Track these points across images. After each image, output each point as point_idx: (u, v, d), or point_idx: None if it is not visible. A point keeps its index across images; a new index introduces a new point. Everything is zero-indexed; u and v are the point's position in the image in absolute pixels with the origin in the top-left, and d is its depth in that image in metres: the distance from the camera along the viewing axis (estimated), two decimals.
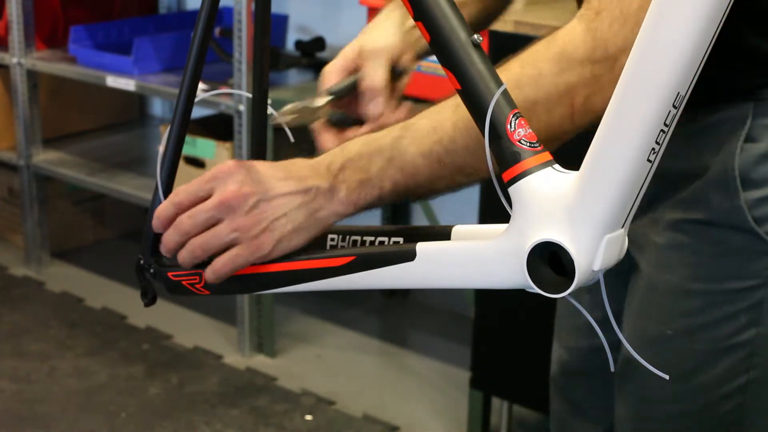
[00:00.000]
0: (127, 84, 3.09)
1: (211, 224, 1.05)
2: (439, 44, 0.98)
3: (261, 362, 2.98)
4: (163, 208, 1.08)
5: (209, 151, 2.96)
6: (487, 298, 2.40)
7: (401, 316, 3.32)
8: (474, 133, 1.00)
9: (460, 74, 0.96)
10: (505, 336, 2.40)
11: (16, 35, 3.31)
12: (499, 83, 0.95)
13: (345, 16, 3.30)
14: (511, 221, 0.95)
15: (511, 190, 0.95)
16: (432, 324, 3.24)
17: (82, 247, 3.67)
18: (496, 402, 2.57)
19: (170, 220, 1.08)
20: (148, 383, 2.83)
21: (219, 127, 3.07)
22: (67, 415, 2.67)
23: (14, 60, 3.34)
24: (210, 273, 1.06)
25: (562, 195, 0.92)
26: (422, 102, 2.75)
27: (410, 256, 1.00)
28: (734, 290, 1.19)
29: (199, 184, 1.06)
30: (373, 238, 1.10)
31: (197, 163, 3.00)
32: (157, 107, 3.97)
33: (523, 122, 0.95)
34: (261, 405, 2.74)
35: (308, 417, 2.69)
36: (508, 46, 2.22)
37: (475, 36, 0.97)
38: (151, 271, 1.14)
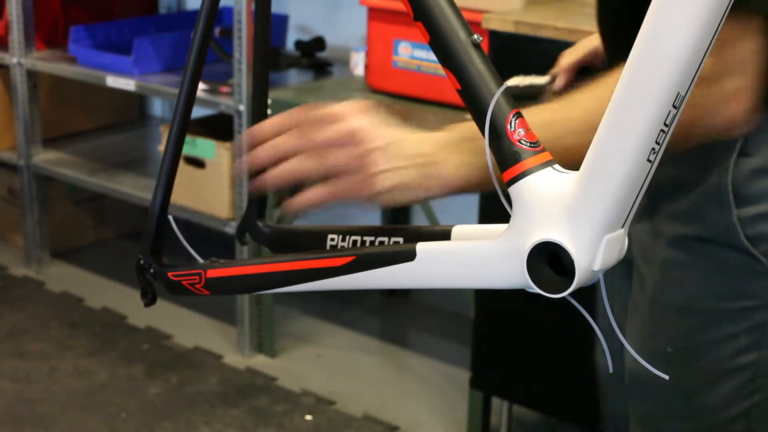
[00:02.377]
0: (127, 84, 3.09)
1: (327, 148, 1.05)
2: (439, 44, 0.98)
3: (261, 362, 2.98)
4: (286, 115, 1.08)
5: (209, 151, 2.96)
6: (487, 298, 2.40)
7: (401, 316, 3.32)
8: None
9: (460, 74, 0.96)
10: (505, 336, 2.40)
11: (16, 35, 3.31)
12: (499, 83, 0.95)
13: (345, 16, 3.30)
14: (511, 221, 0.95)
15: (511, 189, 0.94)
16: (432, 324, 3.24)
17: (82, 247, 3.67)
18: (496, 402, 2.57)
19: (284, 128, 1.07)
20: (148, 383, 2.83)
21: (219, 127, 3.07)
22: (67, 415, 2.67)
23: (14, 60, 3.34)
24: (296, 201, 1.07)
25: (562, 195, 0.92)
26: (422, 102, 2.75)
27: (410, 256, 0.99)
28: (733, 310, 1.18)
29: (327, 111, 1.06)
30: (373, 238, 1.10)
31: (197, 163, 3.00)
32: (157, 107, 3.97)
33: (523, 122, 0.94)
34: (261, 405, 2.74)
35: (308, 417, 2.69)
36: (508, 46, 2.23)
37: (475, 36, 0.97)
38: (151, 271, 1.14)
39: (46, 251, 3.53)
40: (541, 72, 1.47)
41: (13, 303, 3.28)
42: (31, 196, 3.47)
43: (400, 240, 1.09)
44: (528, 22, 2.17)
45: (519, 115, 0.95)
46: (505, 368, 2.43)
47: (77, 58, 3.25)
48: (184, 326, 3.14)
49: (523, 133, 0.94)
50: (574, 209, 0.91)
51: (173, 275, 1.11)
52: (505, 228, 0.96)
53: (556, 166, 0.95)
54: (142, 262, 1.15)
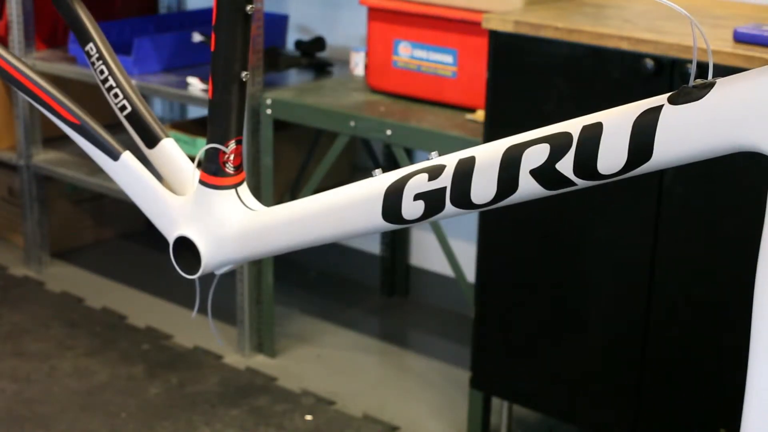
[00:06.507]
0: None
1: None
2: None
3: (261, 362, 2.98)
4: None
5: None
6: (487, 298, 2.40)
7: (401, 316, 3.32)
8: None
9: None
10: (505, 336, 2.41)
11: (16, 35, 3.31)
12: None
13: (345, 16, 3.31)
14: (198, 190, 1.19)
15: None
16: (432, 324, 3.24)
17: (82, 247, 3.67)
18: (496, 402, 2.57)
19: None
20: (148, 383, 2.83)
21: None
22: (67, 415, 2.67)
23: None
24: None
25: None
26: (422, 102, 2.76)
27: (115, 156, 1.24)
28: None
29: None
30: (126, 103, 1.30)
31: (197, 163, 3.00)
32: (157, 107, 3.98)
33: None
34: (261, 405, 2.74)
35: (308, 417, 2.69)
36: (508, 46, 2.23)
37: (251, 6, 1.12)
38: None
39: (46, 251, 3.53)
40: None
41: (13, 303, 3.28)
42: (31, 196, 3.47)
43: (131, 112, 1.30)
44: (528, 22, 2.17)
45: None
46: (505, 368, 2.43)
47: (77, 58, 3.26)
48: (184, 326, 3.14)
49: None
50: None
51: None
52: (192, 191, 1.21)
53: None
54: None
